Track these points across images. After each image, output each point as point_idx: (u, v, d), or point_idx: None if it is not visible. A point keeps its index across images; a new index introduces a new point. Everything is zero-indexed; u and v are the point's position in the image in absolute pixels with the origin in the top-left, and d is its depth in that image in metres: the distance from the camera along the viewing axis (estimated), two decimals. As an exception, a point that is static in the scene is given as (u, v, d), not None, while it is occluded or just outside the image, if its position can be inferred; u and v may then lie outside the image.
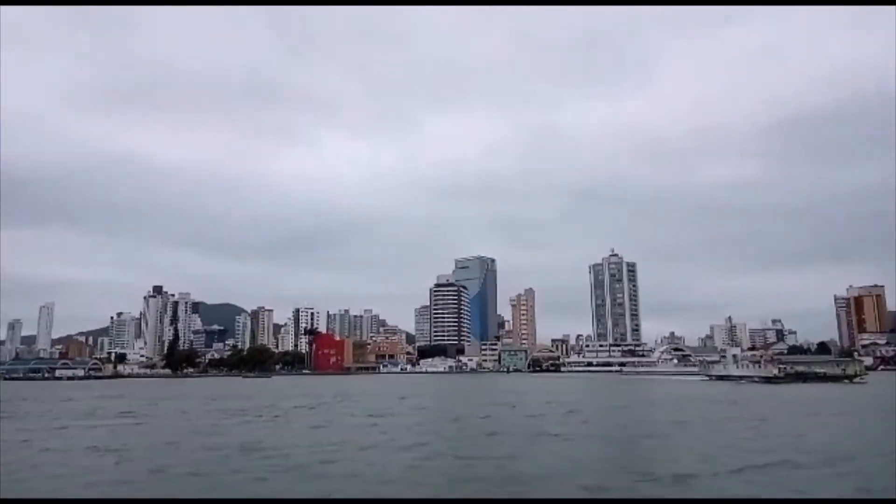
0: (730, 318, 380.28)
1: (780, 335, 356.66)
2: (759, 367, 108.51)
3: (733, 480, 16.77)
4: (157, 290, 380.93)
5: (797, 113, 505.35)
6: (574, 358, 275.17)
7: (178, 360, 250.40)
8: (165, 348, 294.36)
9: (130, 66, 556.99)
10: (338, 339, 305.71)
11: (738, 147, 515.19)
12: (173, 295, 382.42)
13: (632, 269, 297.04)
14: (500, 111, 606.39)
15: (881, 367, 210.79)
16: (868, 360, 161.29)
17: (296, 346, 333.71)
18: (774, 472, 17.86)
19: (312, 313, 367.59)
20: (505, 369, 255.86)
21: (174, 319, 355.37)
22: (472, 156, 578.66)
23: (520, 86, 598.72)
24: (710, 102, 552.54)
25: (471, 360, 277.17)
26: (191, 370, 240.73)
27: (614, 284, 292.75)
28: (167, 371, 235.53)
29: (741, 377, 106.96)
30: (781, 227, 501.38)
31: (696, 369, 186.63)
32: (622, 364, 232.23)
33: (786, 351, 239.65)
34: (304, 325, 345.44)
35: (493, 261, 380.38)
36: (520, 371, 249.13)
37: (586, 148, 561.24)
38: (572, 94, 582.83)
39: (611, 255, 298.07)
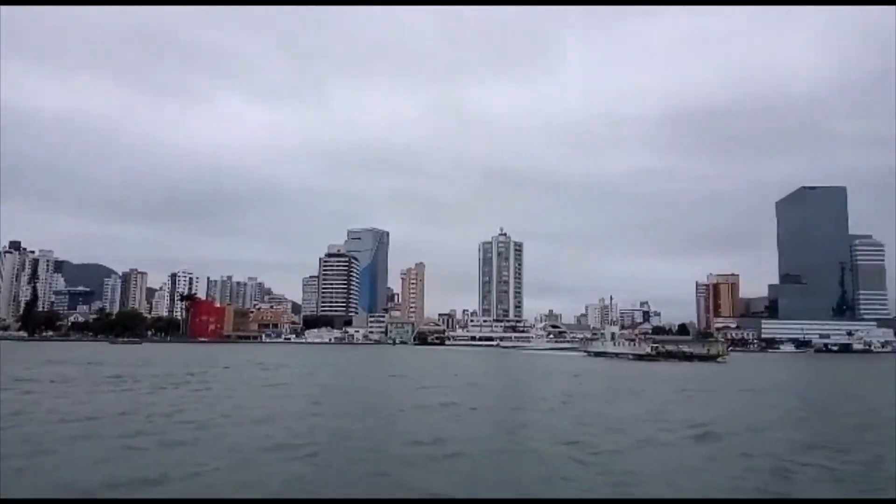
0: (611, 297, 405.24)
1: (647, 316, 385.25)
2: (634, 345, 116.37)
3: (635, 452, 18.09)
4: (15, 245, 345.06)
5: (699, 107, 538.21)
6: (459, 332, 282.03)
7: (35, 322, 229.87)
8: (21, 309, 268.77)
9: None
10: (218, 306, 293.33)
11: (640, 137, 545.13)
12: (33, 252, 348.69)
13: (518, 248, 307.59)
14: (412, 88, 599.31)
15: (730, 348, 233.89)
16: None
17: (171, 311, 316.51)
18: (674, 444, 19.40)
19: (191, 278, 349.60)
20: (391, 341, 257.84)
21: (33, 278, 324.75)
22: (381, 130, 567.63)
23: (435, 65, 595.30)
24: (619, 93, 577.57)
25: (357, 331, 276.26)
26: (51, 333, 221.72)
27: (501, 263, 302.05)
28: (22, 334, 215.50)
29: (617, 354, 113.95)
30: (665, 217, 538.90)
31: (569, 345, 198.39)
32: (501, 339, 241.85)
33: (650, 331, 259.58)
34: (181, 290, 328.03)
35: (387, 234, 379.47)
36: (405, 343, 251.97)
37: (497, 130, 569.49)
38: (487, 77, 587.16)
39: (500, 234, 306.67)
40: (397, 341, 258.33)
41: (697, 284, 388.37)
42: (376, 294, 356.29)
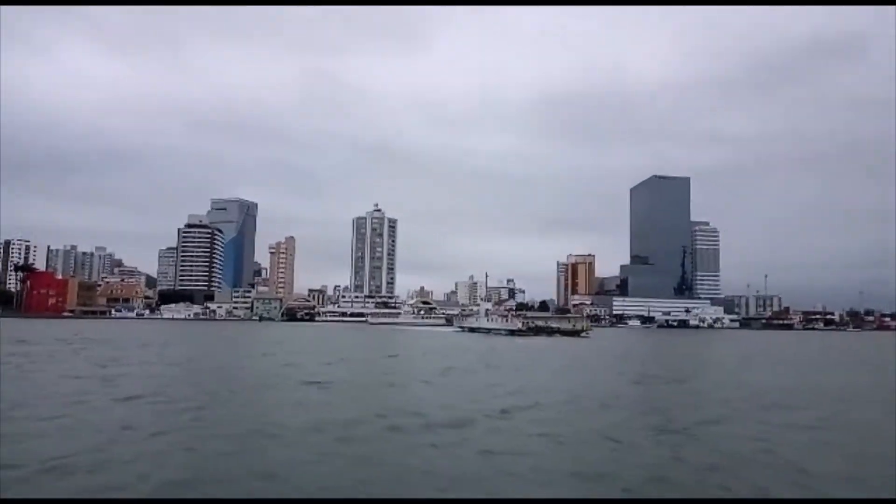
0: (486, 274, 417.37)
1: (512, 293, 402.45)
2: (507, 321, 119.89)
3: (494, 421, 18.28)
4: None
5: (565, 95, 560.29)
6: (330, 308, 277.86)
7: None
8: None
9: None
10: (60, 278, 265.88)
11: (510, 119, 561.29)
12: None
13: (393, 224, 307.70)
14: (285, 55, 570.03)
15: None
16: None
17: (4, 283, 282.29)
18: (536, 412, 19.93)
19: (28, 246, 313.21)
20: (257, 318, 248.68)
21: None
22: (250, 95, 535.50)
23: (309, 33, 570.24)
24: (492, 76, 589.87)
25: (220, 307, 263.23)
26: None
27: (375, 238, 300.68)
28: None
29: (490, 330, 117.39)
30: (531, 197, 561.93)
31: (433, 321, 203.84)
32: (371, 314, 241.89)
33: (514, 307, 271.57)
34: (16, 259, 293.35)
35: (255, 205, 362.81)
36: (272, 320, 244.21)
37: (373, 104, 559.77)
38: (363, 50, 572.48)
39: (374, 210, 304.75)
40: (264, 317, 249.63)
41: (558, 264, 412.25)
42: (242, 268, 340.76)
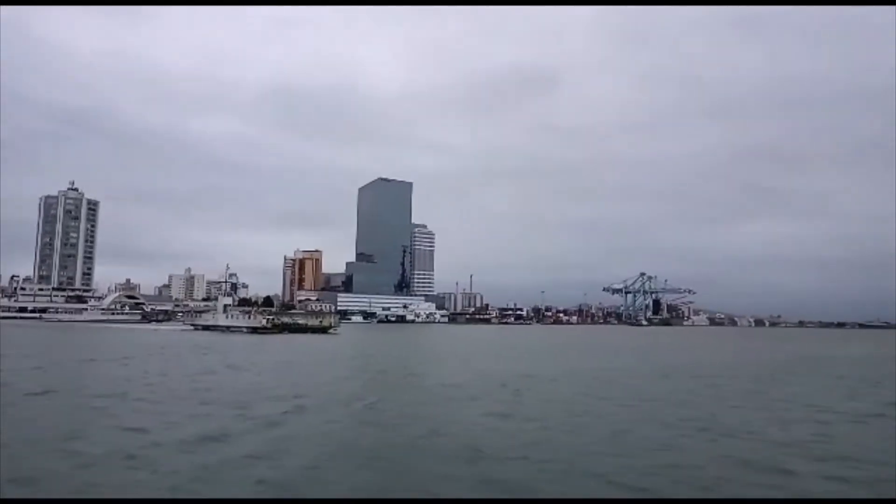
0: (227, 266, 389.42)
1: (235, 287, 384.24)
2: (249, 318, 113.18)
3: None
4: None
5: (301, 88, 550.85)
6: (5, 302, 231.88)
7: None
8: None
9: None
10: None
11: (241, 105, 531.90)
12: None
13: (93, 207, 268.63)
14: None
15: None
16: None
17: None
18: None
19: None
20: None
21: None
22: None
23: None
24: (222, 57, 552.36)
25: None
26: None
27: (69, 222, 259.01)
28: None
29: (229, 327, 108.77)
30: (259, 188, 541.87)
31: (130, 317, 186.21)
32: (45, 310, 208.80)
33: (237, 302, 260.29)
34: None
35: None
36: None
37: (76, 66, 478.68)
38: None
39: (69, 189, 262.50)
40: None
41: (285, 258, 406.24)
42: None
